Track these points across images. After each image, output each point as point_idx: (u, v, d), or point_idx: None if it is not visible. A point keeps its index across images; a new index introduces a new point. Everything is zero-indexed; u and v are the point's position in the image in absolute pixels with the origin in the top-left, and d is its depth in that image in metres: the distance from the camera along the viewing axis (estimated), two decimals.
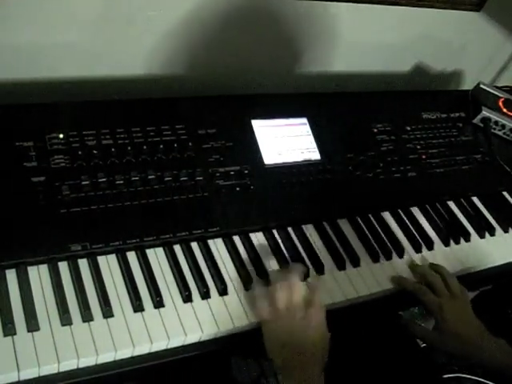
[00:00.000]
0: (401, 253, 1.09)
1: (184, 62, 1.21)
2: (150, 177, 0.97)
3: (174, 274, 0.91)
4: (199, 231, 0.96)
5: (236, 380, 1.03)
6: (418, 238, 1.13)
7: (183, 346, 0.85)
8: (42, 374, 0.75)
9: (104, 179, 0.93)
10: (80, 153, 0.94)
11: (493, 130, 1.39)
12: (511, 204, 1.33)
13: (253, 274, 0.95)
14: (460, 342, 0.98)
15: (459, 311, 1.00)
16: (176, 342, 0.84)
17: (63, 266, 0.86)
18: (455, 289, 1.03)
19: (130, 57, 1.14)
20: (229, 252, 0.97)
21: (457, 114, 1.39)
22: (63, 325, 0.80)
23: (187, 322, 0.86)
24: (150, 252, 0.92)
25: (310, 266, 1.00)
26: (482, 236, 1.21)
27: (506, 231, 1.25)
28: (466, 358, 1.00)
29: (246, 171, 1.05)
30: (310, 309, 0.87)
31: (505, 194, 1.34)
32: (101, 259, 0.89)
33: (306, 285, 0.92)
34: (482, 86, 1.44)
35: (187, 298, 0.88)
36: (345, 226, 1.10)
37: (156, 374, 0.87)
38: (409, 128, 1.29)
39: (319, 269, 1.00)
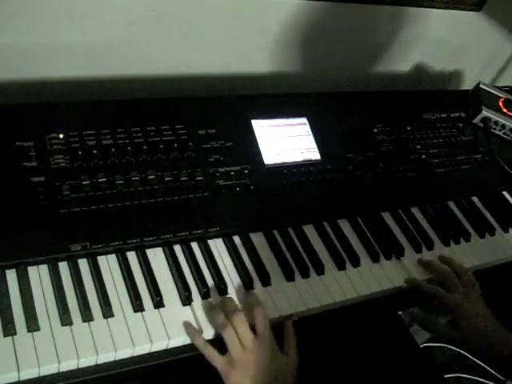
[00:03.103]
0: (401, 253, 1.09)
1: (186, 63, 1.21)
2: (149, 177, 0.97)
3: (173, 274, 0.91)
4: (199, 231, 0.96)
5: None
6: (418, 238, 1.13)
7: (183, 346, 0.85)
8: (41, 374, 0.75)
9: (104, 179, 0.93)
10: (80, 153, 0.94)
11: (493, 130, 1.39)
12: (511, 204, 1.33)
13: (253, 274, 0.95)
14: (484, 337, 0.97)
15: (475, 306, 1.00)
16: (176, 341, 0.84)
17: (63, 266, 0.86)
18: (468, 282, 1.03)
19: (131, 57, 1.14)
20: (229, 252, 0.98)
21: (457, 114, 1.39)
22: (63, 325, 0.80)
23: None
24: (149, 252, 0.92)
25: (310, 266, 1.00)
26: (481, 236, 1.21)
27: (506, 231, 1.25)
28: (489, 352, 0.98)
29: (246, 171, 1.05)
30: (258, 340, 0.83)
31: (505, 193, 1.34)
32: (101, 259, 0.89)
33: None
34: (481, 85, 1.44)
35: (187, 298, 0.88)
36: (345, 225, 1.10)
37: (156, 374, 0.86)
38: (409, 128, 1.29)
39: (319, 269, 1.00)
